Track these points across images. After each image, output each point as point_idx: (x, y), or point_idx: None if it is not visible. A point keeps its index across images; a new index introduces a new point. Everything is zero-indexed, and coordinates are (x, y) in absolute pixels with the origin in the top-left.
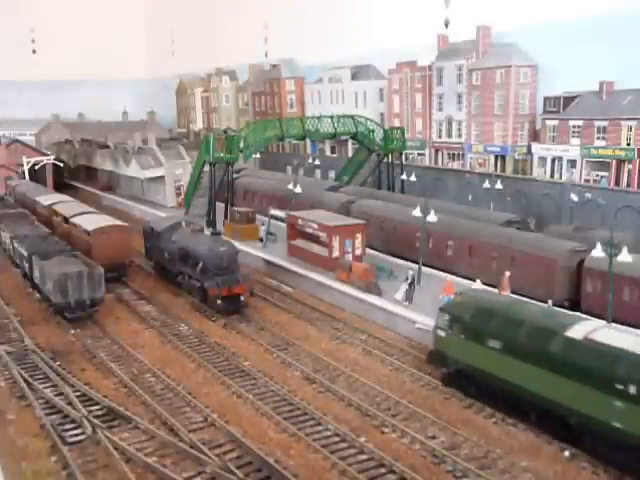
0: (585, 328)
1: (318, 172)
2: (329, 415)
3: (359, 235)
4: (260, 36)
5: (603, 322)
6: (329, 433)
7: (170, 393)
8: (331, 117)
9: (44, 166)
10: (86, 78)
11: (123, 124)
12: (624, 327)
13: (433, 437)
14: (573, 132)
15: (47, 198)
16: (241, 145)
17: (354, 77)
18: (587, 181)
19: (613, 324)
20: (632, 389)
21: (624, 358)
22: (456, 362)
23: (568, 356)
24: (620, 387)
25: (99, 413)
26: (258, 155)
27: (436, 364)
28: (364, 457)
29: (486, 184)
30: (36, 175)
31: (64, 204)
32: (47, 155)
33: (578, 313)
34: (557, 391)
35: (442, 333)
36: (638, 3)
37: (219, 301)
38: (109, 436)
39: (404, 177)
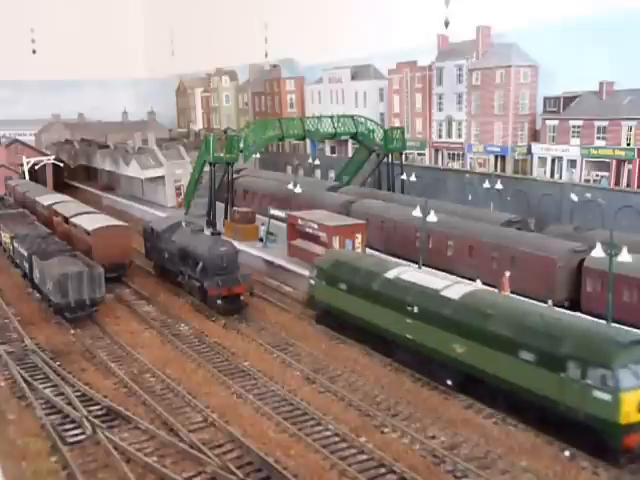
0: (398, 270)
1: (318, 172)
2: (329, 415)
3: (359, 235)
4: (260, 36)
5: (415, 266)
6: (329, 433)
7: (170, 393)
8: (331, 117)
9: (44, 166)
10: (86, 78)
11: (123, 124)
12: (433, 270)
13: (433, 437)
14: (573, 132)
15: (47, 198)
16: (241, 145)
17: (354, 77)
18: (587, 181)
19: (424, 268)
20: (416, 309)
21: (413, 289)
22: (321, 303)
23: (383, 290)
24: (410, 309)
25: (99, 413)
26: (258, 155)
27: (310, 307)
28: (364, 457)
29: (486, 184)
30: (36, 175)
31: (64, 204)
32: (47, 155)
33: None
34: (378, 317)
35: (312, 282)
36: (638, 3)
37: (219, 301)
38: (109, 436)
39: (404, 177)
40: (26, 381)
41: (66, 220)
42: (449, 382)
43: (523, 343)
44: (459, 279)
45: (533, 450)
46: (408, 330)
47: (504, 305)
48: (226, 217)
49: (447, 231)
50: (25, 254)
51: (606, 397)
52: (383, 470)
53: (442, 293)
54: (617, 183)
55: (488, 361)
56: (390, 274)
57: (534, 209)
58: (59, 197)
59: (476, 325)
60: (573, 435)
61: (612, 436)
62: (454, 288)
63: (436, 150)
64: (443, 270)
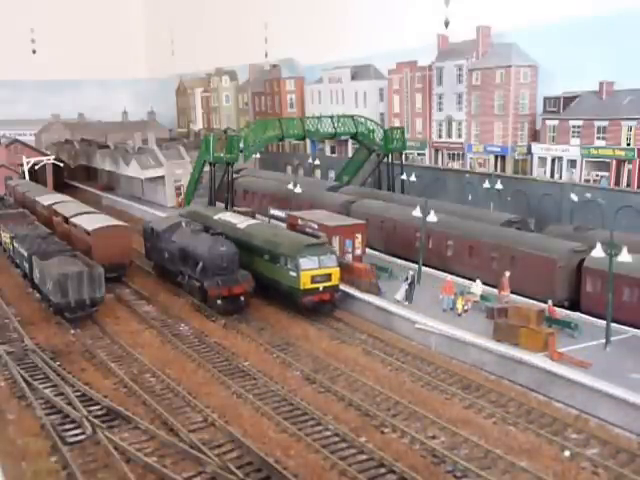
0: (221, 214)
1: (318, 172)
2: (329, 415)
3: (359, 235)
4: (260, 36)
5: (228, 212)
6: (329, 433)
7: (170, 393)
8: (331, 117)
9: (44, 166)
10: (86, 78)
11: (123, 124)
12: (242, 213)
13: (433, 437)
14: (573, 132)
15: (47, 198)
16: (241, 145)
17: (354, 77)
18: (587, 181)
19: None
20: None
21: (224, 224)
22: None
23: (211, 226)
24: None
25: (99, 413)
26: (258, 155)
27: None
28: (364, 457)
29: (486, 184)
30: (36, 175)
31: (64, 204)
32: (47, 155)
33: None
34: None
35: None
36: (638, 3)
37: (219, 301)
38: (109, 436)
39: (404, 177)
40: (26, 381)
41: (66, 220)
42: None
43: (265, 249)
44: (251, 218)
45: (533, 450)
46: None
47: (262, 228)
48: None
49: (447, 231)
50: (25, 254)
51: (295, 274)
52: (383, 470)
53: (237, 226)
54: (617, 183)
55: (254, 264)
56: (216, 216)
57: (534, 209)
58: (59, 197)
59: (248, 242)
60: (286, 300)
61: (298, 297)
62: (244, 222)
63: (436, 150)
64: (443, 270)
